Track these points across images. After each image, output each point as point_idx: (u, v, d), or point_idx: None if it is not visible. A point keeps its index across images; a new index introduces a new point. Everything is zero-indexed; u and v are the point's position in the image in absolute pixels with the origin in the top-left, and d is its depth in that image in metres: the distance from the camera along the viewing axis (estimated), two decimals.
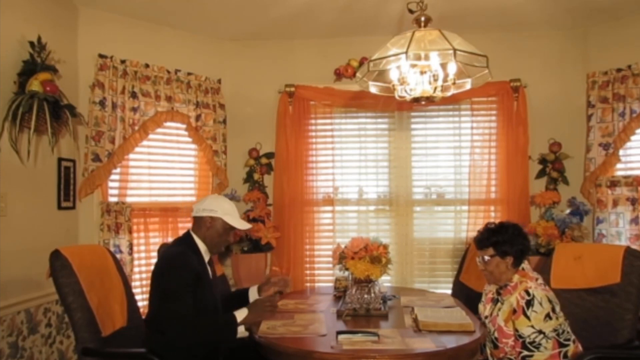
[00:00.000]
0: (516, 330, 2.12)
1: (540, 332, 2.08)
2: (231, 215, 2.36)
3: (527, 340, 2.09)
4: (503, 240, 2.25)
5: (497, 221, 2.42)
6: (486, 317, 2.33)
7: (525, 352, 2.09)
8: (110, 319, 2.31)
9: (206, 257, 2.36)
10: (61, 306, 2.71)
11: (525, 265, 2.28)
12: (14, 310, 2.70)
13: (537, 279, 2.22)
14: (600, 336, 2.41)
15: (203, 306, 2.19)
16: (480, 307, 2.43)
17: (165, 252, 2.43)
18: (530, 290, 2.13)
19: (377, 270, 2.61)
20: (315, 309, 2.73)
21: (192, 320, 2.09)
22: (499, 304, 2.26)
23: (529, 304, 2.11)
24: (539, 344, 2.08)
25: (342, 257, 2.73)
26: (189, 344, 2.10)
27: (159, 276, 2.22)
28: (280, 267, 3.92)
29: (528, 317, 2.10)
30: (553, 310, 2.12)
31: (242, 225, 2.41)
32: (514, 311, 2.15)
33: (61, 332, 3.09)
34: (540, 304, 2.10)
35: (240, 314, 2.20)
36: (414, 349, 2.02)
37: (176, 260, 2.21)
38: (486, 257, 2.27)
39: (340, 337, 2.12)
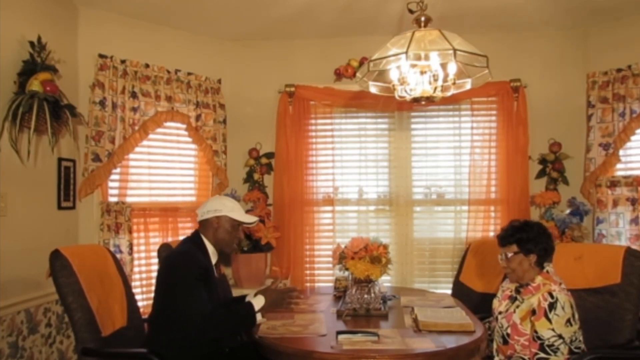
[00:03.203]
0: (535, 331, 2.09)
1: (560, 336, 2.05)
2: (236, 210, 2.37)
3: (546, 342, 2.06)
4: (527, 237, 2.21)
5: (521, 219, 2.38)
6: (500, 313, 2.32)
7: (542, 355, 2.07)
8: (110, 319, 2.31)
9: (213, 259, 2.37)
10: (61, 306, 2.71)
11: (549, 268, 2.25)
12: (14, 310, 2.69)
13: (560, 284, 2.19)
14: (600, 336, 2.41)
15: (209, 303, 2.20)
16: (495, 302, 2.41)
17: (173, 250, 2.43)
18: (554, 293, 2.10)
19: (377, 270, 2.61)
20: (315, 309, 2.73)
21: (211, 314, 2.11)
22: (517, 302, 2.24)
23: (552, 306, 2.07)
24: (557, 348, 2.06)
25: (342, 257, 2.73)
26: (210, 338, 2.12)
27: (168, 274, 2.23)
28: (280, 267, 3.92)
29: (549, 320, 2.06)
30: (573, 316, 2.10)
31: (249, 219, 2.43)
32: (534, 312, 2.12)
33: (61, 332, 3.09)
34: (563, 308, 2.07)
35: (258, 302, 2.22)
36: (414, 349, 2.02)
37: (185, 257, 2.24)
38: (509, 254, 2.24)
39: (340, 337, 2.12)
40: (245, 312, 2.21)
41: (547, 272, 2.23)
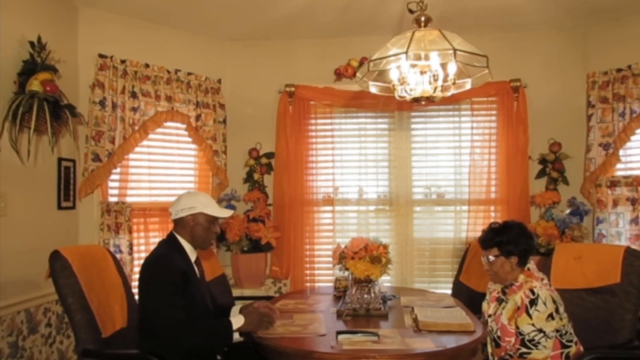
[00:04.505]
0: (517, 327, 2.13)
1: (540, 330, 2.08)
2: (210, 206, 2.32)
3: (527, 338, 2.10)
4: (507, 240, 2.23)
5: (501, 221, 2.40)
6: (489, 316, 2.33)
7: (524, 350, 2.10)
8: (110, 320, 2.31)
9: (192, 257, 2.31)
10: (61, 306, 2.71)
11: (531, 265, 2.27)
12: (14, 310, 2.69)
13: (542, 279, 2.21)
14: (600, 336, 2.41)
15: (191, 305, 2.16)
16: (484, 305, 2.42)
17: (148, 256, 2.34)
18: (535, 290, 2.12)
19: (377, 270, 2.61)
20: (315, 309, 2.73)
21: (187, 325, 2.06)
22: (503, 303, 2.26)
23: (533, 302, 2.10)
24: (538, 343, 2.09)
25: (342, 257, 2.73)
26: (184, 349, 2.08)
27: (145, 281, 2.17)
28: (280, 267, 3.92)
29: (530, 315, 2.10)
30: (557, 310, 2.12)
31: (224, 213, 2.37)
32: (518, 309, 2.15)
33: (61, 332, 3.09)
34: (544, 303, 2.10)
35: (237, 321, 2.15)
36: (414, 349, 2.02)
37: (160, 263, 2.17)
38: (491, 257, 2.26)
39: (340, 337, 2.12)
40: (223, 329, 2.14)
41: (529, 269, 2.26)
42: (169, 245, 2.28)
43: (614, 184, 3.57)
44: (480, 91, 3.57)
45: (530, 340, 2.09)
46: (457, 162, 3.96)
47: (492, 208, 3.89)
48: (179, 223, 2.30)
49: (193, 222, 2.28)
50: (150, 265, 2.21)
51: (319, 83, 3.99)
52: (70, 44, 3.25)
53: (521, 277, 2.23)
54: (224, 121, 3.97)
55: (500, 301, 2.30)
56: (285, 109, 3.97)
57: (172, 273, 2.12)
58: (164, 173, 3.70)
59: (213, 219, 2.32)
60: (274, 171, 4.03)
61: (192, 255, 2.32)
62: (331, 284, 3.34)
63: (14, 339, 2.69)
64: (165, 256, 2.20)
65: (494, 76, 2.66)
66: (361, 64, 3.86)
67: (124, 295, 2.49)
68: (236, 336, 2.16)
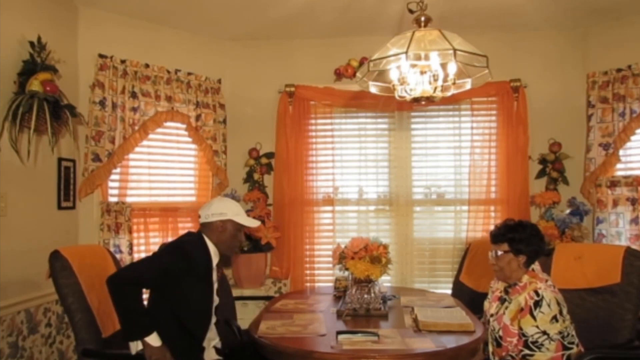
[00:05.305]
0: (520, 328, 2.12)
1: (544, 333, 2.07)
2: (240, 215, 2.36)
3: (530, 339, 2.09)
4: (520, 238, 2.22)
5: (516, 219, 2.38)
6: (491, 315, 2.32)
7: (527, 351, 2.09)
8: (110, 320, 2.31)
9: (214, 259, 2.34)
10: (61, 306, 2.71)
11: (535, 266, 2.26)
12: (14, 310, 2.69)
13: (546, 280, 2.20)
14: (600, 336, 2.41)
15: (192, 301, 2.18)
16: (486, 304, 2.41)
17: (177, 238, 2.39)
18: (540, 291, 2.11)
19: (377, 270, 2.62)
20: (315, 309, 2.73)
21: (130, 282, 2.06)
22: (506, 303, 2.25)
23: (537, 304, 2.09)
24: (541, 345, 2.08)
25: (342, 257, 2.74)
26: (110, 290, 2.05)
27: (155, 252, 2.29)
28: (280, 267, 3.92)
29: (534, 317, 2.09)
30: (560, 312, 2.11)
31: (252, 223, 2.42)
32: (521, 310, 2.14)
33: (61, 332, 3.09)
34: (549, 305, 2.08)
35: (154, 339, 2.06)
36: (414, 349, 2.03)
37: (178, 245, 2.24)
38: (499, 252, 2.24)
39: (340, 337, 2.12)
40: (140, 327, 2.06)
41: (533, 270, 2.25)
42: (196, 240, 2.32)
43: (614, 184, 3.57)
44: (480, 91, 3.57)
45: (533, 342, 2.08)
46: (457, 162, 3.96)
47: (492, 208, 3.89)
48: (207, 227, 2.33)
49: (221, 228, 2.32)
50: (172, 244, 2.29)
51: (319, 83, 3.99)
52: (70, 44, 3.25)
53: (525, 278, 2.21)
54: (224, 121, 3.97)
55: (502, 301, 2.29)
56: (285, 109, 3.96)
57: (179, 257, 2.16)
58: (164, 173, 3.70)
59: (240, 227, 2.36)
60: (274, 171, 4.03)
61: (215, 258, 2.34)
62: (331, 284, 3.34)
63: (14, 339, 2.69)
64: (190, 243, 2.26)
65: (494, 76, 2.66)
66: (361, 64, 3.86)
67: None
68: (138, 346, 2.09)
